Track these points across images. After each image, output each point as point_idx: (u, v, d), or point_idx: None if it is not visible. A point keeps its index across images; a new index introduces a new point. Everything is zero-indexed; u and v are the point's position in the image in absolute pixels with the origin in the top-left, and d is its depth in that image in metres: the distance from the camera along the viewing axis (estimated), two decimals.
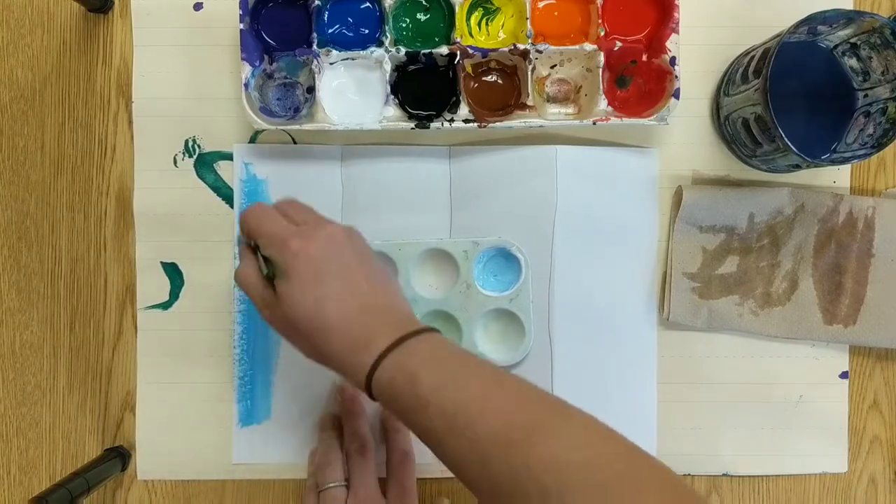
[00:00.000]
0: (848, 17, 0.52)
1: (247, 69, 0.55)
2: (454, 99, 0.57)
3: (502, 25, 0.58)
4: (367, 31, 0.57)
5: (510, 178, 0.58)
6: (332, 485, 0.52)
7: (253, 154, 0.58)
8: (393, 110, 0.56)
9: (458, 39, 0.56)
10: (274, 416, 0.59)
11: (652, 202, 0.59)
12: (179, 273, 0.59)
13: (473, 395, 0.41)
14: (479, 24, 0.58)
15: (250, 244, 0.49)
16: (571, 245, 0.58)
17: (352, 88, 0.58)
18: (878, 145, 0.52)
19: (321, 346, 0.45)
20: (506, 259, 0.58)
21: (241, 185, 0.58)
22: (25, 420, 0.60)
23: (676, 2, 0.55)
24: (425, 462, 0.58)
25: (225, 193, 0.59)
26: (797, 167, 0.55)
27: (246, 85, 0.55)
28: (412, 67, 0.57)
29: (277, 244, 0.46)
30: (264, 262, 0.47)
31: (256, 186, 0.58)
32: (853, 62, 0.56)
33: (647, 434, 0.59)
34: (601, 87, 0.56)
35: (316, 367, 0.58)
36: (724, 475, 0.60)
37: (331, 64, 0.57)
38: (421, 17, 0.58)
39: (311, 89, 0.57)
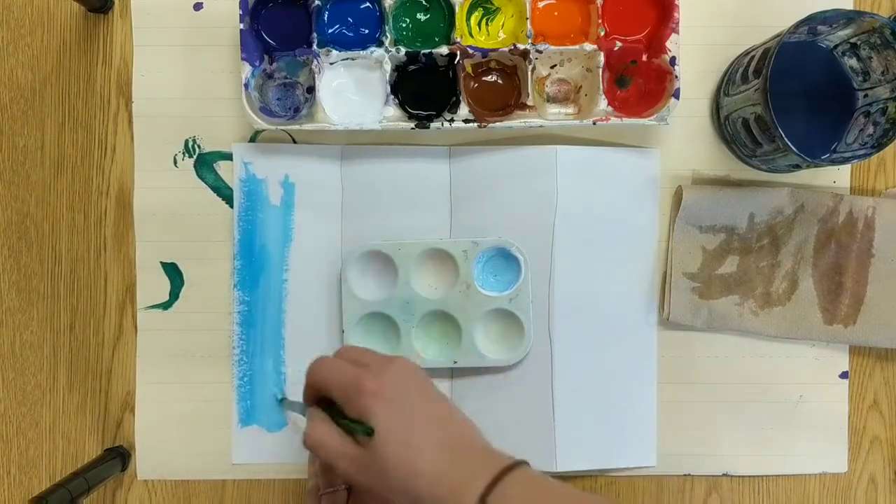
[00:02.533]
0: (848, 17, 0.52)
1: (247, 69, 0.55)
2: (454, 99, 0.57)
3: (502, 25, 0.58)
4: (367, 31, 0.57)
5: (510, 179, 0.58)
6: (332, 489, 0.52)
7: (252, 153, 0.58)
8: (393, 110, 0.56)
9: (458, 39, 0.56)
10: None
11: (652, 202, 0.59)
12: (179, 273, 0.59)
13: None
14: (479, 24, 0.58)
15: (319, 404, 0.47)
16: (571, 245, 0.58)
17: (352, 88, 0.58)
18: (878, 145, 0.52)
19: (415, 493, 0.43)
20: (505, 259, 0.58)
21: (241, 185, 0.58)
22: (25, 420, 0.60)
23: (676, 2, 0.55)
24: None
25: (225, 193, 0.59)
26: (797, 167, 0.55)
27: (246, 85, 0.55)
28: (412, 67, 0.57)
29: (352, 391, 0.44)
30: (343, 420, 0.45)
31: (256, 186, 0.58)
32: (853, 62, 0.56)
33: (647, 434, 0.59)
34: (601, 87, 0.56)
35: None
36: (724, 475, 0.60)
37: (331, 64, 0.57)
38: (421, 17, 0.58)
39: (311, 89, 0.57)
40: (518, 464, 0.43)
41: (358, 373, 0.45)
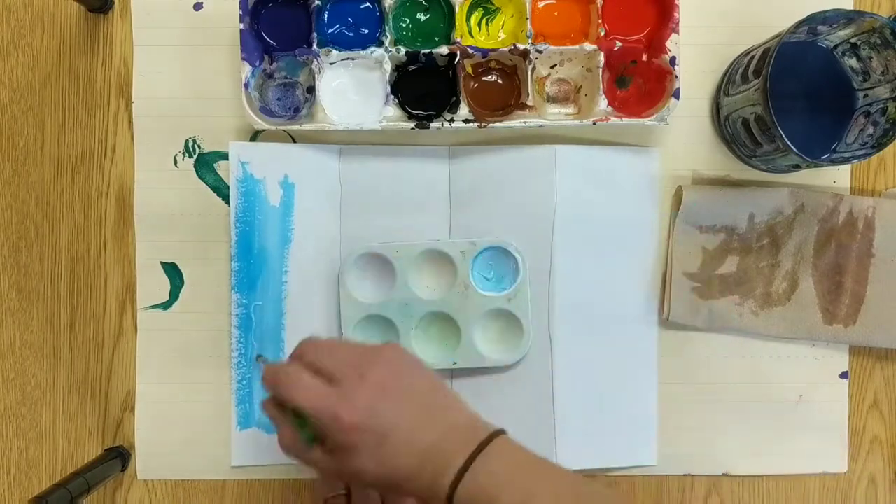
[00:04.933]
0: (848, 17, 0.52)
1: (247, 69, 0.55)
2: (454, 99, 0.57)
3: (502, 25, 0.58)
4: (367, 31, 0.57)
5: (510, 179, 0.58)
6: (332, 495, 0.51)
7: (250, 153, 0.58)
8: (393, 110, 0.56)
9: (458, 39, 0.56)
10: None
11: (652, 202, 0.59)
12: (179, 273, 0.59)
13: None
14: (479, 24, 0.58)
15: (279, 403, 0.46)
16: (571, 245, 0.58)
17: (352, 88, 0.58)
18: (878, 145, 0.52)
19: (396, 493, 0.45)
20: (504, 259, 0.58)
21: (238, 185, 0.58)
22: (25, 420, 0.60)
23: (676, 2, 0.55)
24: None
25: (225, 194, 0.59)
26: (797, 167, 0.55)
27: (246, 85, 0.55)
28: (412, 67, 0.57)
29: (326, 420, 0.42)
30: (299, 425, 0.44)
31: (254, 186, 0.58)
32: (853, 62, 0.56)
33: (648, 434, 0.59)
34: (601, 87, 0.56)
35: None
36: (724, 475, 0.60)
37: (331, 64, 0.57)
38: (421, 17, 0.58)
39: (311, 89, 0.57)
40: (493, 436, 0.43)
41: (328, 398, 0.43)
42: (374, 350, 0.46)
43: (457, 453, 0.42)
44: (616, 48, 0.56)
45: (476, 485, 0.42)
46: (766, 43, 0.54)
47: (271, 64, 0.57)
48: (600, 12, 0.56)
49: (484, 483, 0.42)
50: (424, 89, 0.57)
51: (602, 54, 0.56)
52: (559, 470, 0.44)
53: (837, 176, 0.59)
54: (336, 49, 0.56)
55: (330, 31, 0.57)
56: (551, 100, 0.59)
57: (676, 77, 0.55)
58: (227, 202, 0.59)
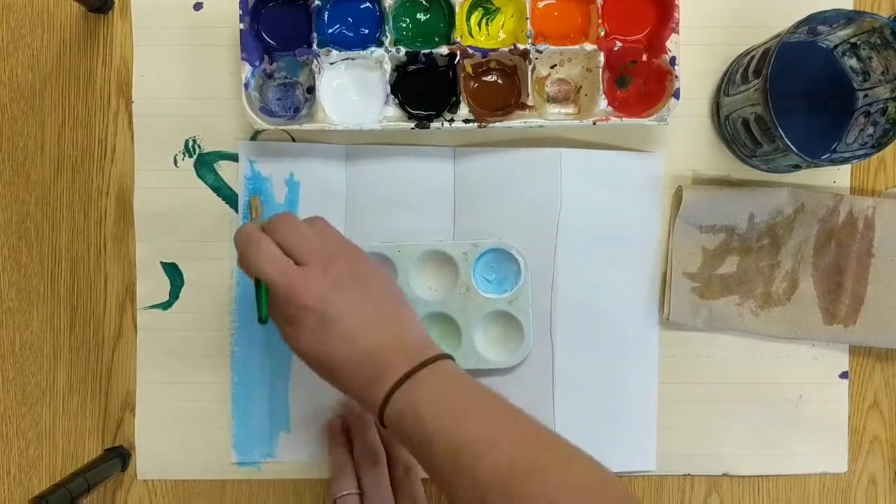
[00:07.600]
0: (848, 17, 0.52)
1: (247, 69, 0.55)
2: (454, 99, 0.56)
3: (502, 25, 0.58)
4: (367, 31, 0.57)
5: (514, 181, 0.58)
6: (345, 493, 0.52)
7: (257, 152, 0.58)
8: (393, 110, 0.56)
9: (458, 39, 0.56)
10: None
11: (655, 206, 0.59)
12: (179, 273, 0.59)
13: (477, 433, 0.42)
14: (479, 24, 0.58)
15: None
16: (574, 247, 0.58)
17: (352, 88, 0.58)
18: (878, 145, 0.52)
19: (331, 383, 0.47)
20: (506, 261, 0.58)
21: (246, 183, 0.58)
22: (25, 420, 0.60)
23: (676, 2, 0.55)
24: None
25: (225, 193, 0.59)
26: (797, 167, 0.55)
27: (246, 85, 0.55)
28: (412, 67, 0.57)
29: (282, 290, 0.46)
30: (259, 288, 0.47)
31: (260, 184, 0.58)
32: (853, 62, 0.56)
33: (648, 434, 0.59)
34: (601, 87, 0.56)
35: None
36: (724, 475, 0.60)
37: (331, 64, 0.57)
38: (421, 17, 0.58)
39: (311, 89, 0.57)
40: (440, 357, 0.46)
41: (289, 273, 0.46)
42: (347, 249, 0.50)
43: (398, 364, 0.45)
44: (616, 48, 0.56)
45: (410, 398, 0.43)
46: (766, 43, 0.54)
47: (271, 64, 0.57)
48: (600, 12, 0.56)
49: (418, 397, 0.43)
50: (424, 89, 0.57)
51: (602, 54, 0.56)
52: (496, 396, 0.45)
53: (837, 176, 0.59)
54: (336, 49, 0.56)
55: (330, 31, 0.57)
56: (551, 100, 0.59)
57: (676, 77, 0.55)
58: (227, 202, 0.59)
